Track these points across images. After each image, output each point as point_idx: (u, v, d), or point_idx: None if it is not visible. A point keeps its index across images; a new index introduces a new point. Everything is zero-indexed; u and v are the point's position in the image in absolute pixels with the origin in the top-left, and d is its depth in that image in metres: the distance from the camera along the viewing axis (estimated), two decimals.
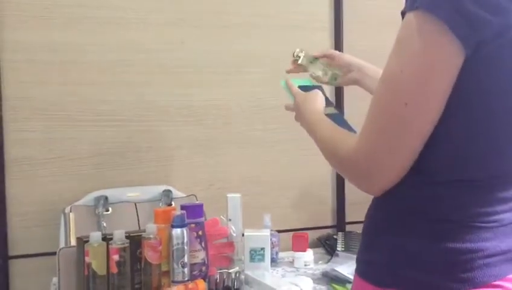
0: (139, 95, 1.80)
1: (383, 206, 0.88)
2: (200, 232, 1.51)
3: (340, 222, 2.05)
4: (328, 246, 1.88)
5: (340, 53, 1.37)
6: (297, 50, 1.37)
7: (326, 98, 1.21)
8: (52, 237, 1.64)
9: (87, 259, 1.35)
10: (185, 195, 1.78)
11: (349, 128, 1.10)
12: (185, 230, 1.43)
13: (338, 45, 2.01)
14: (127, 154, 1.80)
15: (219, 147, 1.90)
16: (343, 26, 2.02)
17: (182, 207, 1.51)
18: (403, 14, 0.82)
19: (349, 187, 2.04)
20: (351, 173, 0.88)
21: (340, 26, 2.01)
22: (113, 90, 1.77)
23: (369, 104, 0.84)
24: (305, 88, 1.25)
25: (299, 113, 1.16)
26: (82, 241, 1.38)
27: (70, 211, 1.63)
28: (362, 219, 2.13)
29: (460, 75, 0.77)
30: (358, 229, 2.06)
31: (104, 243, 1.36)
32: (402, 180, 0.83)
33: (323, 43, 2.02)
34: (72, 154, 1.74)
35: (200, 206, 1.55)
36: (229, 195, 1.70)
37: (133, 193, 1.73)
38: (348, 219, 2.07)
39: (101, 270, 1.35)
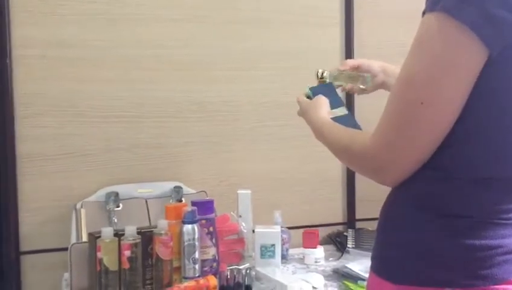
0: (150, 91, 1.80)
1: (400, 202, 0.88)
2: (210, 228, 1.52)
3: (350, 219, 2.04)
4: (338, 243, 1.87)
5: (364, 60, 1.32)
6: (320, 70, 1.33)
7: (335, 99, 1.21)
8: (64, 233, 1.64)
9: (99, 254, 1.35)
10: (195, 191, 1.78)
11: (358, 128, 1.11)
12: (195, 226, 1.43)
13: (348, 40, 2.00)
14: (138, 151, 1.80)
15: (229, 143, 1.90)
16: (353, 21, 2.01)
17: (193, 203, 1.52)
18: (424, 13, 0.82)
19: (360, 184, 2.04)
20: (366, 167, 0.90)
21: (351, 22, 2.00)
22: (123, 86, 1.77)
23: (387, 101, 0.86)
24: (315, 90, 1.25)
25: (306, 120, 1.18)
26: (94, 237, 1.38)
27: (82, 207, 1.64)
28: (372, 216, 2.12)
29: (481, 76, 0.78)
30: (369, 226, 2.08)
31: (116, 239, 1.37)
32: (421, 176, 0.84)
33: (334, 38, 2.01)
34: (83, 151, 1.74)
35: (211, 202, 1.56)
36: (239, 191, 1.70)
37: (143, 189, 1.74)
38: (358, 216, 2.06)
39: (113, 266, 1.35)
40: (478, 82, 0.78)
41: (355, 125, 1.12)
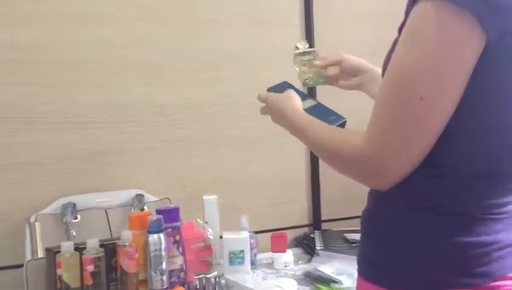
0: (107, 95, 1.72)
1: (389, 204, 0.84)
2: (177, 237, 1.45)
3: (316, 221, 2.01)
4: (306, 246, 1.84)
5: (348, 57, 1.24)
6: (303, 43, 1.30)
7: (301, 92, 1.15)
8: (16, 249, 1.53)
9: (58, 271, 1.26)
10: (158, 199, 1.71)
11: (337, 116, 1.07)
12: (162, 235, 1.36)
13: (309, 40, 1.97)
14: (95, 158, 1.71)
15: (192, 147, 1.84)
16: (313, 22, 1.99)
17: (158, 211, 1.45)
18: (412, 3, 0.78)
19: (324, 185, 2.02)
20: (358, 170, 0.84)
21: (311, 22, 1.98)
22: (79, 90, 1.68)
23: (377, 99, 0.81)
24: (276, 88, 1.19)
25: (277, 115, 1.09)
26: (52, 252, 1.29)
27: (36, 221, 1.53)
28: (338, 216, 2.11)
29: (478, 66, 0.74)
30: (333, 226, 2.07)
31: (77, 254, 1.28)
32: (415, 175, 0.80)
33: (295, 39, 1.98)
34: (36, 160, 1.63)
35: (177, 209, 1.49)
36: (205, 197, 1.64)
37: (102, 199, 1.65)
38: (323, 217, 2.04)
39: (74, 283, 1.27)
40: (475, 72, 0.75)
41: (331, 113, 1.07)
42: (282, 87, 1.18)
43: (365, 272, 0.86)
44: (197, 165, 1.84)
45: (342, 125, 1.07)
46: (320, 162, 1.96)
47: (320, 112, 1.05)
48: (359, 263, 0.88)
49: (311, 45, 1.97)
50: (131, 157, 1.75)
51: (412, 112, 0.76)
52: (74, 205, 1.59)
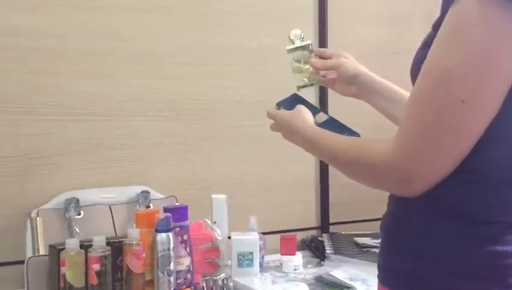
0: (114, 87, 1.65)
1: (415, 210, 0.79)
2: (185, 237, 1.40)
3: (324, 223, 1.96)
4: (314, 249, 1.79)
5: (346, 64, 1.15)
6: (298, 32, 1.19)
7: (312, 106, 1.10)
8: (17, 244, 1.47)
9: (62, 269, 1.20)
10: (164, 196, 1.65)
11: (350, 131, 1.01)
12: (170, 235, 1.31)
13: (322, 38, 1.93)
14: (101, 152, 1.64)
15: (200, 144, 1.78)
16: (327, 17, 1.93)
17: (166, 209, 1.39)
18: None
19: (334, 187, 1.97)
20: (386, 178, 0.79)
21: (325, 19, 1.93)
22: (85, 81, 1.61)
23: (409, 102, 0.76)
24: (286, 102, 1.13)
25: (288, 132, 1.04)
26: (56, 249, 1.23)
27: (38, 215, 1.47)
28: (346, 219, 2.06)
29: None
30: (342, 230, 2.02)
31: (82, 251, 1.22)
32: (445, 182, 0.75)
33: (307, 36, 1.92)
34: (39, 152, 1.57)
35: (185, 208, 1.43)
36: (213, 196, 1.58)
37: (107, 195, 1.59)
38: (331, 220, 1.98)
39: (78, 282, 1.21)
40: None
41: (344, 128, 1.02)
42: (291, 101, 1.12)
43: (387, 279, 0.81)
44: (205, 163, 1.78)
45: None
46: None
47: (333, 126, 1.01)
48: (380, 269, 0.83)
49: (323, 41, 1.92)
50: (137, 153, 1.69)
51: (452, 115, 0.71)
52: (77, 200, 1.53)
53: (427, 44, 0.79)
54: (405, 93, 1.11)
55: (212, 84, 1.79)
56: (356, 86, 1.15)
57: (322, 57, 1.19)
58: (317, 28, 1.94)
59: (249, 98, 1.83)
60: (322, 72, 1.17)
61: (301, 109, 1.05)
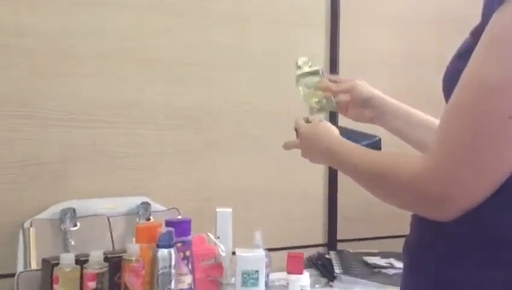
0: (117, 91, 1.57)
1: (447, 236, 0.72)
2: (187, 253, 1.33)
3: (331, 240, 1.87)
4: (322, 267, 1.70)
5: (360, 86, 1.12)
6: (306, 59, 1.17)
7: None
8: (8, 257, 1.37)
9: (55, 287, 1.12)
10: (165, 208, 1.57)
11: (370, 137, 0.99)
12: (172, 251, 1.23)
13: (334, 43, 1.85)
14: (100, 160, 1.56)
15: (203, 153, 1.70)
16: (339, 23, 1.86)
17: (168, 223, 1.31)
18: (497, 4, 0.66)
19: (342, 201, 1.88)
20: (418, 199, 0.71)
21: (337, 24, 1.86)
22: (87, 85, 1.53)
23: (446, 116, 0.70)
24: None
25: (311, 146, 1.01)
26: (50, 264, 1.14)
27: (31, 226, 1.38)
28: (354, 236, 1.97)
29: None
30: (349, 247, 1.93)
31: (78, 268, 1.14)
32: (488, 202, 0.68)
33: (318, 41, 1.86)
34: (35, 159, 1.48)
35: (188, 222, 1.36)
36: (218, 209, 1.50)
37: (105, 205, 1.50)
38: (339, 237, 1.90)
39: None
40: None
41: (364, 135, 0.99)
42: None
43: None
44: (208, 174, 1.70)
45: (378, 142, 1.00)
46: (340, 175, 1.84)
47: (354, 136, 0.96)
48: None
49: (334, 50, 1.85)
50: (138, 162, 1.61)
51: (496, 132, 0.65)
52: (74, 210, 1.44)
53: (464, 53, 0.72)
54: (422, 115, 1.08)
55: (219, 90, 1.71)
56: (371, 109, 1.11)
57: (333, 82, 1.16)
58: (328, 34, 1.86)
59: (257, 105, 1.76)
60: (335, 95, 1.13)
61: (323, 123, 1.01)
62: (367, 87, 1.13)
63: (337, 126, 1.02)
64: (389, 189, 0.76)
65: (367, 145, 0.91)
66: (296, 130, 1.08)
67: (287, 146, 1.11)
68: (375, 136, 0.99)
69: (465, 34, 0.75)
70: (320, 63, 1.82)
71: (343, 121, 1.19)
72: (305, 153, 1.05)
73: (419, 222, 0.78)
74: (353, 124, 1.12)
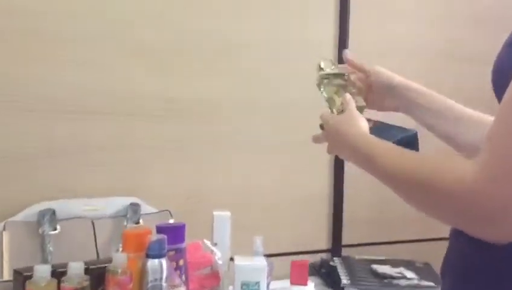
0: (107, 80, 1.45)
1: (499, 258, 0.64)
2: (180, 262, 1.20)
3: (336, 245, 1.74)
4: (326, 276, 1.57)
5: (378, 70, 1.03)
6: (328, 63, 1.08)
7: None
8: None
9: None
10: (156, 210, 1.43)
11: (405, 131, 0.90)
12: (163, 261, 1.09)
13: (343, 33, 1.73)
14: (85, 156, 1.43)
15: (199, 150, 1.57)
16: (349, 12, 1.73)
17: (159, 229, 1.18)
18: None
19: (348, 204, 1.75)
20: (468, 210, 0.60)
21: (347, 13, 1.72)
22: (73, 72, 1.41)
23: (502, 115, 0.59)
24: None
25: (337, 141, 0.90)
26: (22, 276, 1.00)
27: (4, 229, 1.26)
28: (360, 241, 1.85)
29: None
30: (355, 253, 1.81)
31: (54, 281, 0.99)
32: None
33: (326, 31, 1.72)
34: (11, 153, 1.36)
35: (182, 227, 1.23)
36: (215, 213, 1.36)
37: (89, 206, 1.37)
38: (343, 242, 1.77)
39: None
40: None
41: (399, 129, 0.89)
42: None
43: None
44: (205, 173, 1.58)
45: (413, 137, 0.90)
46: (346, 176, 1.71)
47: (385, 132, 0.87)
48: None
49: (342, 43, 1.72)
50: (127, 158, 1.49)
51: None
52: (54, 212, 1.31)
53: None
54: (462, 108, 0.96)
55: (220, 82, 1.59)
56: (395, 96, 1.00)
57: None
58: (337, 24, 1.73)
59: (260, 99, 1.63)
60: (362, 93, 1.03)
61: (352, 112, 0.90)
62: (387, 72, 1.02)
63: (368, 119, 0.90)
64: (429, 199, 0.65)
65: (401, 139, 0.83)
66: (321, 125, 0.96)
67: (316, 140, 0.99)
68: (411, 130, 0.89)
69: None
70: (330, 50, 1.70)
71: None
72: (331, 149, 0.94)
73: (459, 236, 0.68)
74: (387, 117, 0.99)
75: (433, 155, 0.69)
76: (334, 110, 1.03)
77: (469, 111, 0.94)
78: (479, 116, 0.91)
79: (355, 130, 0.85)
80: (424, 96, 0.98)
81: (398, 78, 1.01)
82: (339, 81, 1.06)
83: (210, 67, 1.57)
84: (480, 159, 0.59)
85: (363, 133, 0.84)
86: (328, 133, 0.92)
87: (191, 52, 1.55)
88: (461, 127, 0.93)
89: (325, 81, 1.06)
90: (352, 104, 0.92)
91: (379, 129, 0.89)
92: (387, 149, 0.75)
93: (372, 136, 0.82)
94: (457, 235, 0.70)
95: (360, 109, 1.01)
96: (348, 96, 0.95)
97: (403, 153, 0.73)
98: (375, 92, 1.02)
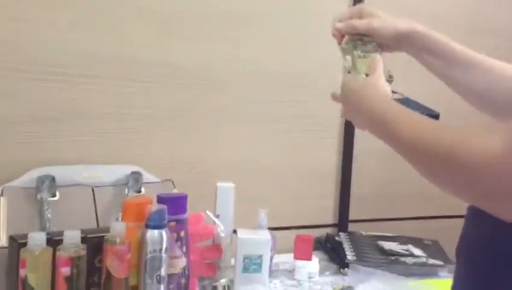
0: (108, 43, 1.38)
1: None
2: (181, 233, 1.15)
3: (342, 220, 1.70)
4: (331, 251, 1.53)
5: (380, 23, 0.94)
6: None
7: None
8: None
9: (22, 271, 0.94)
10: (159, 180, 1.39)
11: (430, 111, 0.83)
12: (163, 232, 1.06)
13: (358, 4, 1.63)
14: (85, 121, 1.37)
15: (205, 119, 1.51)
16: None
17: (160, 199, 1.14)
18: None
19: (356, 179, 1.70)
20: (491, 189, 0.55)
21: None
22: (70, 33, 1.34)
23: None
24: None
25: (356, 104, 0.82)
26: (17, 243, 0.97)
27: (2, 194, 1.22)
28: (367, 217, 1.81)
29: None
30: (361, 228, 1.77)
31: (50, 249, 0.96)
32: None
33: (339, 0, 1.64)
34: (8, 117, 1.30)
35: (184, 197, 1.18)
36: (219, 184, 1.32)
37: (90, 173, 1.32)
38: (350, 217, 1.72)
39: (42, 288, 0.94)
40: None
41: (423, 108, 0.83)
42: None
43: None
44: (210, 143, 1.52)
45: (437, 118, 0.85)
46: (355, 151, 1.66)
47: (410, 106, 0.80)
48: None
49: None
50: (129, 125, 1.42)
51: None
52: (53, 178, 1.26)
53: None
54: (473, 54, 0.89)
55: (226, 49, 1.51)
56: (404, 45, 0.93)
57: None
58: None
59: (270, 69, 1.56)
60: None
61: (377, 73, 0.84)
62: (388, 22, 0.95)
63: (394, 92, 0.84)
64: (451, 172, 0.60)
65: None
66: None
67: (334, 98, 0.92)
68: (435, 111, 0.83)
69: None
70: None
71: None
72: (346, 113, 0.87)
73: (477, 217, 0.64)
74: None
75: (457, 125, 0.63)
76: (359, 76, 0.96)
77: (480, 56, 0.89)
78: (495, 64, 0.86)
79: (374, 93, 0.80)
80: (429, 39, 0.93)
81: (401, 25, 0.94)
82: (367, 47, 0.98)
83: (218, 34, 1.49)
84: (508, 132, 0.54)
85: (382, 98, 0.78)
86: (346, 96, 0.86)
87: (197, 17, 1.47)
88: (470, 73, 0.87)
89: (358, 42, 0.97)
90: (380, 68, 0.85)
91: (403, 103, 0.82)
92: (408, 115, 0.70)
93: (393, 102, 0.76)
94: (475, 215, 0.65)
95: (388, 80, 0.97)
96: (378, 58, 0.89)
97: (426, 119, 0.68)
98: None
